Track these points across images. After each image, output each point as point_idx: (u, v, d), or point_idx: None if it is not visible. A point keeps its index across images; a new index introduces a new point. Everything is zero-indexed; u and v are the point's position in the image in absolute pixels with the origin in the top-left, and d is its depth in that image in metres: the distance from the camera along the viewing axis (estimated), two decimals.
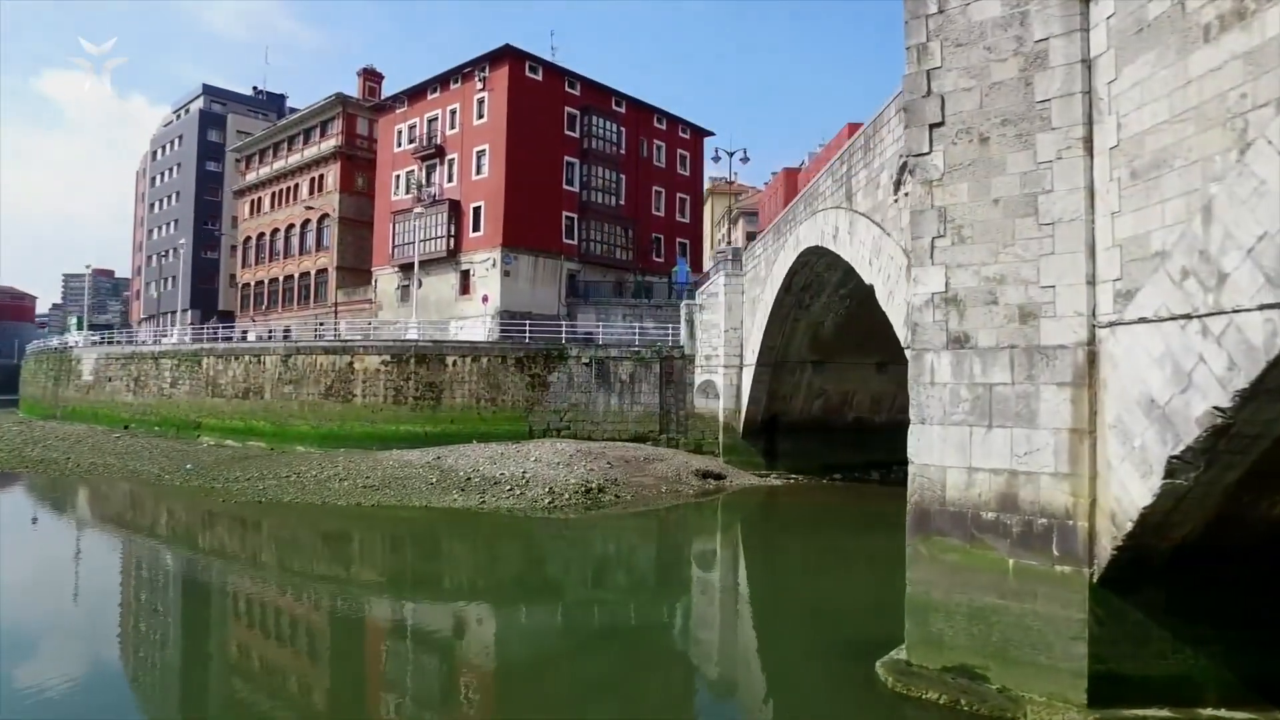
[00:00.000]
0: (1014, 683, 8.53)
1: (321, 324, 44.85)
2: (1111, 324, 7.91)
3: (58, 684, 10.36)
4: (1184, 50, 6.87)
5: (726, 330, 30.64)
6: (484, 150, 38.85)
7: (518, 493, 23.65)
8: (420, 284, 36.98)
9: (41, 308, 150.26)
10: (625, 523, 23.03)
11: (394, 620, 14.61)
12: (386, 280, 43.83)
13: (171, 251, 66.63)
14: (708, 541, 22.48)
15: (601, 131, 42.08)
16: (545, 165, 39.50)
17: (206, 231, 62.69)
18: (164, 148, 72.54)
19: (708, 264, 61.12)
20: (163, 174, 72.00)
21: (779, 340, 27.03)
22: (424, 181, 41.66)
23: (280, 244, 51.52)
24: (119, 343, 48.25)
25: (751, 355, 28.51)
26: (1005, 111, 8.84)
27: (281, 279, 51.29)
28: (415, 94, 42.97)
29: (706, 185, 64.78)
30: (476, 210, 39.07)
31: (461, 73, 39.98)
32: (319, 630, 14.04)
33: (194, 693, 11.17)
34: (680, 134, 48.58)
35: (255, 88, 73.49)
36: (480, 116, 39.13)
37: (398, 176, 43.74)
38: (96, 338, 52.24)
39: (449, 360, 31.80)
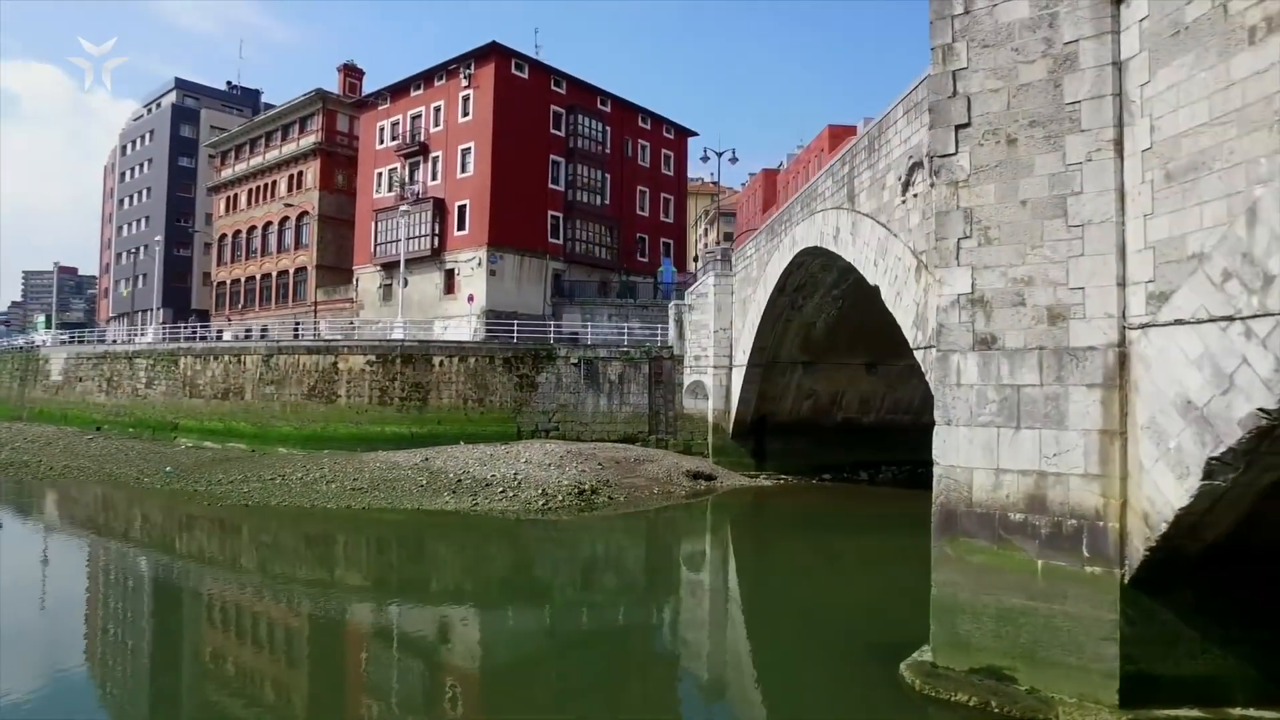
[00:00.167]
0: (1043, 684, 8.53)
1: (300, 323, 44.04)
2: (1144, 326, 7.93)
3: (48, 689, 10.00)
4: (1226, 53, 6.91)
5: (716, 331, 30.62)
6: (469, 148, 38.45)
7: (510, 495, 23.38)
8: (406, 283, 36.47)
9: None
10: (620, 524, 22.90)
11: (396, 626, 14.32)
12: (368, 279, 43.20)
13: (143, 249, 65.11)
14: (704, 543, 22.41)
15: (587, 130, 41.88)
16: (531, 164, 39.20)
17: (179, 228, 61.36)
18: (134, 142, 70.93)
19: (690, 265, 61.17)
20: (133, 169, 70.39)
21: (770, 341, 27.05)
22: (407, 179, 41.14)
23: (257, 242, 50.55)
24: (90, 342, 47.02)
25: (742, 356, 28.51)
26: (1033, 113, 8.84)
27: (259, 277, 50.33)
28: (398, 91, 42.42)
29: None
30: (461, 209, 38.66)
31: (446, 70, 39.54)
32: (316, 637, 13.72)
33: (172, 699, 10.88)
34: (664, 134, 48.53)
35: (229, 82, 72.16)
36: (465, 114, 38.73)
37: (380, 174, 43.14)
38: (65, 336, 50.86)
39: (436, 360, 31.40)
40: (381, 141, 43.05)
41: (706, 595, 17.11)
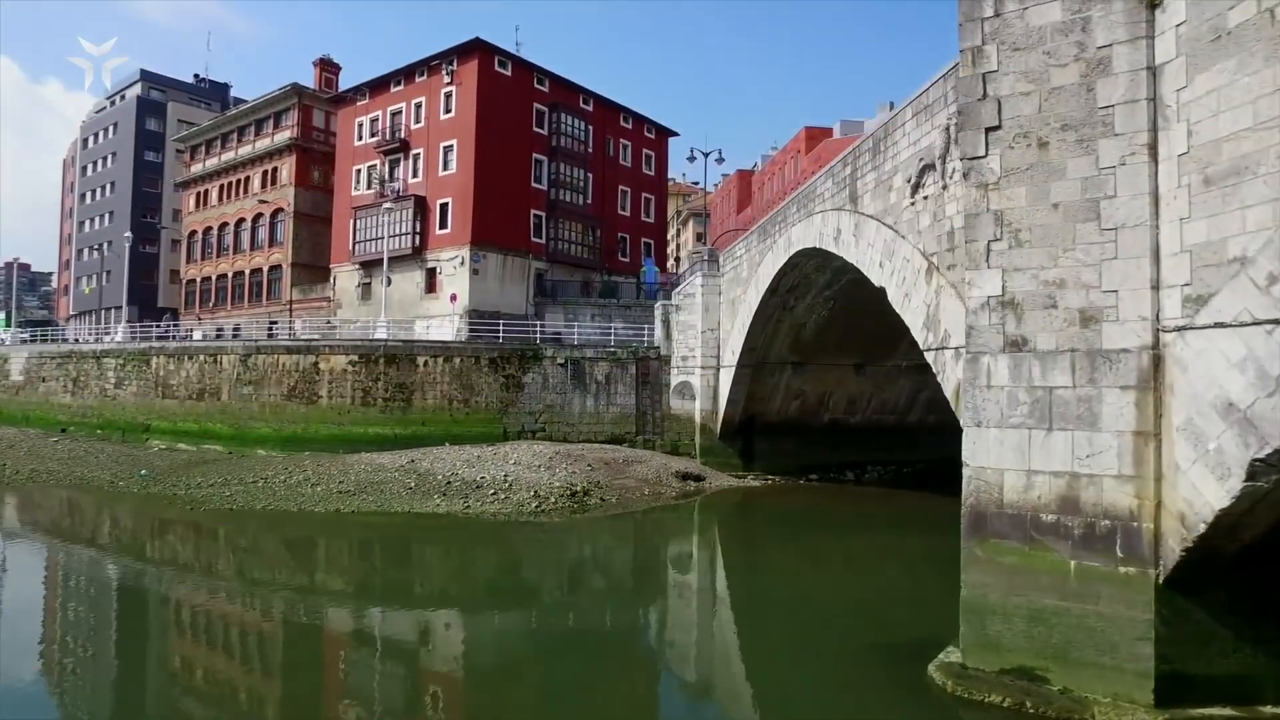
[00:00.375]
0: (1076, 684, 8.58)
1: (275, 323, 43.17)
2: (1180, 328, 8.01)
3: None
4: (1272, 58, 6.98)
5: (704, 331, 30.59)
6: (451, 145, 37.96)
7: (502, 497, 23.09)
8: (389, 281, 35.86)
9: None
10: (613, 526, 22.76)
11: (396, 631, 14.02)
12: (346, 278, 42.43)
13: (106, 245, 63.30)
14: (700, 545, 22.34)
15: (570, 129, 41.62)
16: (514, 162, 38.84)
17: (145, 224, 59.68)
18: (96, 135, 68.95)
19: (670, 265, 61.04)
20: (95, 163, 68.43)
21: (761, 341, 27.09)
22: (387, 176, 40.48)
23: (229, 239, 49.37)
24: (54, 340, 45.53)
25: (731, 356, 28.51)
26: (1065, 117, 8.89)
27: (231, 275, 49.15)
28: (377, 86, 41.73)
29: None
30: (443, 207, 38.15)
31: (428, 66, 39.00)
32: (302, 642, 13.46)
33: (137, 707, 10.56)
34: (645, 134, 48.43)
35: (197, 75, 70.47)
36: (448, 111, 38.23)
37: (358, 171, 42.40)
38: (26, 335, 49.20)
39: (420, 360, 30.92)
40: (360, 138, 42.31)
41: (711, 597, 17.03)
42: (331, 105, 45.74)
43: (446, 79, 37.97)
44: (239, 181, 48.97)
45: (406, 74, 40.25)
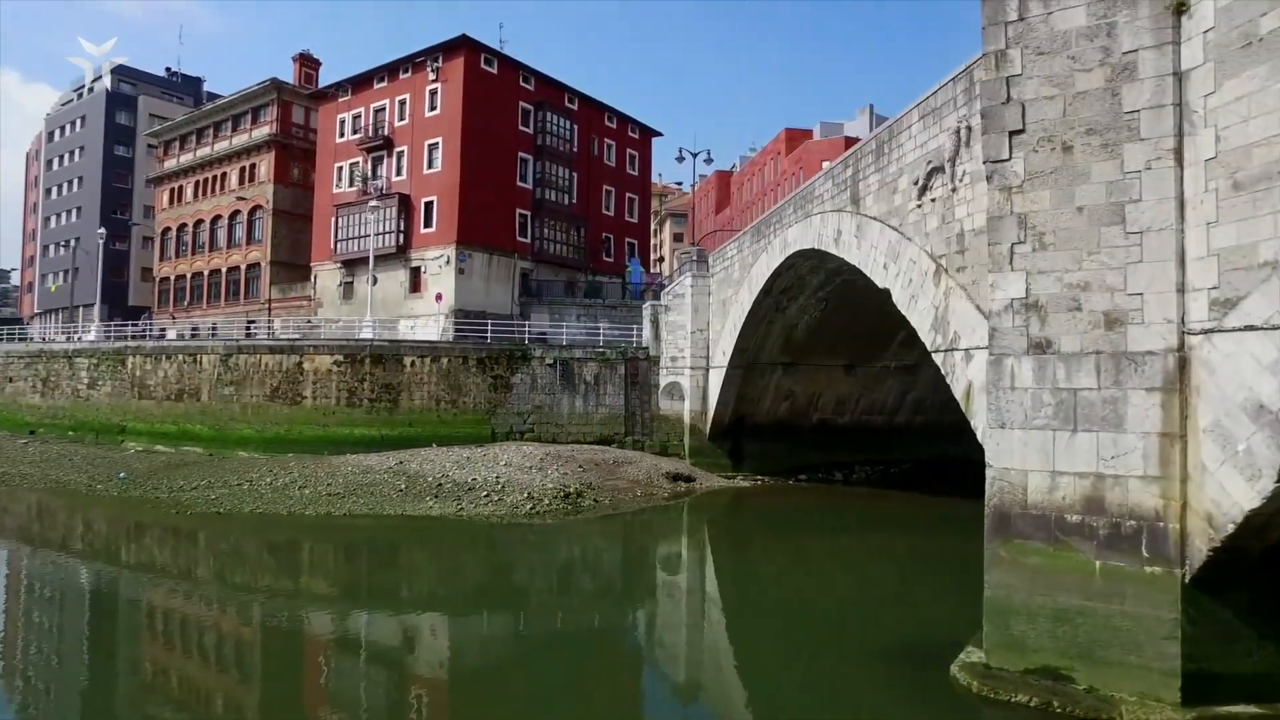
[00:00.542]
0: (1102, 683, 8.66)
1: (253, 322, 42.38)
2: (1207, 331, 8.12)
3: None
4: None
5: (693, 332, 30.59)
6: (437, 143, 37.55)
7: (496, 499, 22.86)
8: (375, 280, 35.33)
9: None
10: (609, 527, 22.66)
11: (404, 635, 13.76)
12: (327, 276, 41.78)
13: (74, 241, 61.76)
14: (697, 546, 22.25)
15: (555, 128, 41.40)
16: (500, 161, 38.53)
17: (116, 221, 58.25)
18: (63, 129, 67.22)
19: (653, 266, 60.96)
20: (62, 157, 66.72)
21: (752, 342, 27.15)
22: (370, 174, 39.94)
23: (205, 236, 48.36)
24: (22, 339, 44.25)
25: (722, 357, 28.53)
26: (1090, 121, 8.98)
27: (206, 273, 48.13)
28: (360, 82, 41.14)
29: None
30: (428, 205, 37.73)
31: (413, 62, 38.53)
32: (294, 648, 13.13)
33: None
34: (629, 133, 48.35)
35: (169, 69, 68.93)
36: (433, 108, 37.81)
37: (340, 168, 41.77)
38: None
39: (407, 361, 30.53)
40: (342, 134, 41.68)
41: (716, 599, 16.92)
42: (312, 101, 45.01)
43: (432, 76, 37.55)
44: (216, 178, 47.99)
45: (390, 70, 39.74)
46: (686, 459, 30.42)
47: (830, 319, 26.22)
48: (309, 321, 39.21)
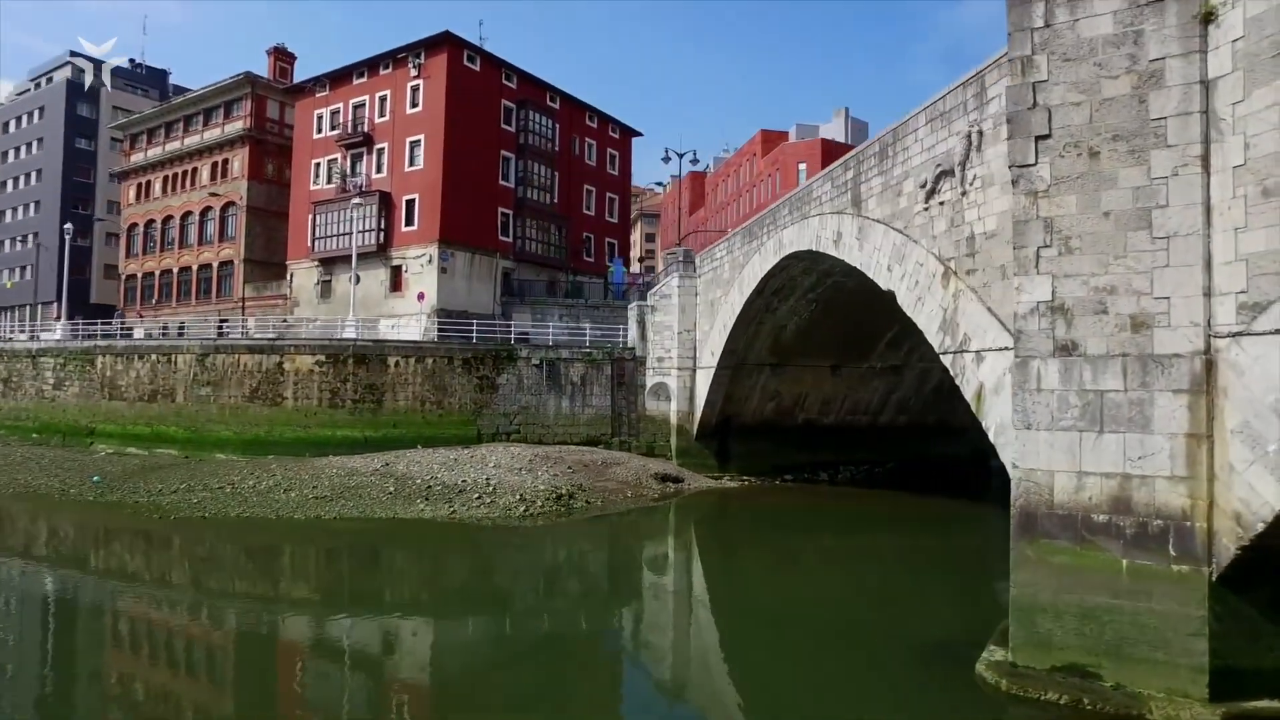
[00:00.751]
0: (1129, 679, 8.80)
1: (226, 321, 41.42)
2: (1235, 334, 8.30)
3: None
4: None
5: (680, 332, 30.62)
6: (419, 140, 37.06)
7: (488, 501, 22.61)
8: (358, 280, 34.73)
9: None
10: (603, 528, 22.58)
11: (411, 639, 13.53)
12: (304, 275, 40.98)
13: (31, 236, 59.85)
14: (692, 546, 22.27)
15: (538, 127, 41.14)
16: (482, 159, 38.17)
17: (77, 216, 56.50)
18: (18, 120, 65.03)
19: (634, 266, 60.81)
20: (18, 149, 64.54)
21: (742, 343, 27.24)
22: (349, 171, 39.28)
23: (175, 233, 47.11)
24: None
25: (711, 357, 28.59)
26: (1117, 127, 9.12)
27: (176, 271, 46.90)
28: (338, 78, 40.43)
29: None
30: (410, 203, 37.23)
31: (394, 58, 37.98)
32: (288, 654, 12.79)
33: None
34: (610, 133, 48.25)
35: (132, 60, 67.00)
36: (415, 105, 37.30)
37: (318, 164, 41.00)
38: None
39: (391, 361, 30.10)
40: (320, 130, 40.92)
41: (724, 600, 16.78)
42: (287, 96, 44.12)
43: (414, 72, 37.05)
44: (186, 173, 46.77)
45: (370, 66, 39.12)
46: (673, 459, 30.43)
47: (819, 320, 26.42)
48: (284, 321, 38.45)
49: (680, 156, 38.37)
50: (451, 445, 28.86)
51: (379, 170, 38.57)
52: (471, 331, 32.34)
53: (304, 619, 14.64)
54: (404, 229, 37.34)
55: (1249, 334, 8.16)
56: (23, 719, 9.59)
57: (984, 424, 12.40)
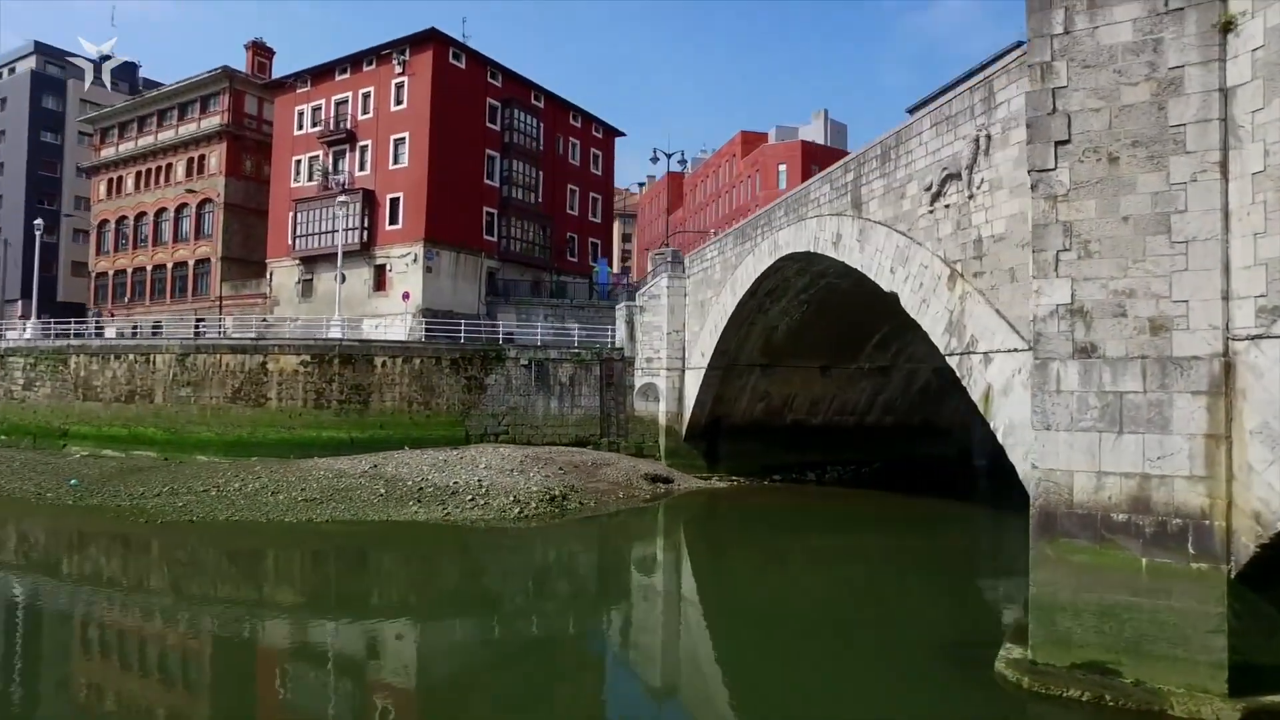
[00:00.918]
0: (1149, 676, 8.96)
1: (202, 320, 40.60)
2: (1254, 337, 8.49)
3: None
4: None
5: (669, 333, 30.63)
6: (403, 138, 36.63)
7: (482, 503, 22.43)
8: (344, 278, 34.21)
9: None
10: (598, 529, 22.52)
11: (419, 644, 13.35)
12: (285, 273, 40.29)
13: None
14: (685, 546, 22.27)
15: (523, 126, 40.90)
16: (468, 158, 37.85)
17: (43, 211, 54.96)
18: None
19: (616, 266, 60.71)
20: None
21: (733, 344, 27.32)
22: (331, 168, 38.70)
23: (149, 229, 46.01)
24: None
25: (701, 358, 28.63)
26: (1136, 133, 9.29)
27: (150, 269, 45.83)
28: (320, 74, 39.81)
29: None
30: (394, 202, 36.78)
31: (378, 54, 37.49)
32: (286, 658, 12.58)
33: None
34: (594, 133, 48.13)
35: (101, 52, 65.29)
36: (399, 102, 36.87)
37: (298, 161, 40.33)
38: None
39: (378, 361, 29.72)
40: (301, 127, 40.25)
41: (717, 600, 16.94)
42: (266, 92, 43.34)
43: (398, 69, 36.61)
44: (160, 168, 45.72)
45: (353, 62, 38.57)
46: (662, 460, 30.43)
47: (811, 321, 26.59)
48: (265, 320, 37.78)
49: (669, 157, 38.37)
50: (440, 446, 28.58)
51: (362, 168, 38.07)
52: (459, 331, 32.03)
53: (304, 623, 14.34)
54: (388, 227, 36.89)
55: (1268, 337, 8.36)
56: None
57: (992, 425, 12.54)
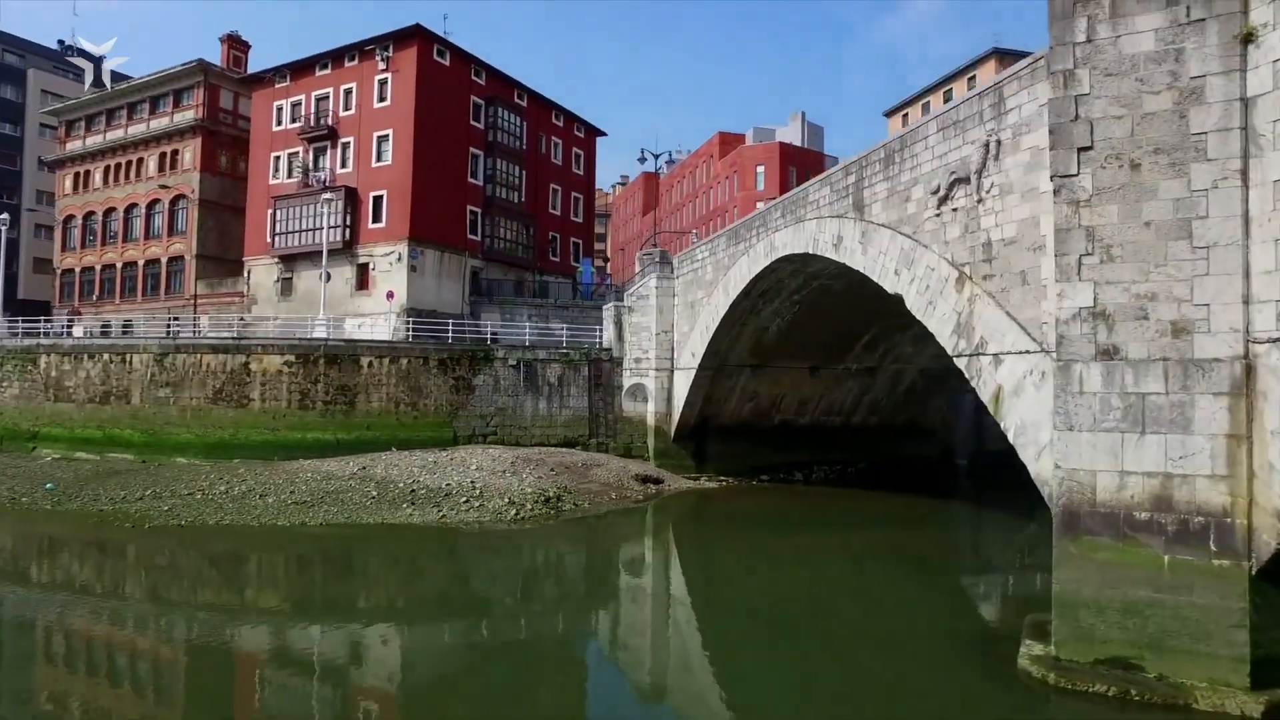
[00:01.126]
0: (1172, 670, 9.19)
1: (177, 319, 39.67)
2: (1275, 340, 8.75)
3: None
4: None
5: (658, 333, 30.64)
6: (387, 135, 36.14)
7: (477, 505, 22.24)
8: (329, 277, 33.65)
9: None
10: (593, 530, 22.47)
11: (425, 646, 13.19)
12: (263, 271, 39.50)
13: None
14: (680, 546, 22.27)
15: (506, 124, 40.61)
16: (451, 156, 37.46)
17: (4, 206, 53.21)
18: None
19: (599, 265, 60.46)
20: None
21: (724, 345, 27.42)
22: (312, 165, 38.04)
23: (119, 226, 44.77)
24: None
25: (691, 359, 28.69)
26: (1158, 141, 9.51)
27: (120, 266, 44.60)
28: (300, 69, 39.09)
29: None
30: (377, 200, 36.27)
31: (361, 50, 36.92)
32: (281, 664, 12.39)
33: None
34: (575, 132, 47.98)
35: (61, 41, 63.45)
36: (382, 99, 36.36)
37: (277, 158, 39.56)
38: None
39: (364, 361, 29.29)
40: (280, 123, 39.48)
41: (715, 599, 16.97)
42: (243, 86, 42.45)
43: (381, 65, 36.10)
44: (131, 163, 44.53)
45: (335, 57, 37.93)
46: (651, 460, 30.43)
47: (802, 322, 26.79)
48: (242, 319, 37.02)
49: (656, 157, 38.40)
50: (428, 447, 28.26)
51: (344, 165, 37.48)
52: (445, 331, 31.70)
53: (305, 626, 14.09)
54: (370, 226, 36.37)
55: None
56: None
57: (1002, 425, 12.75)
